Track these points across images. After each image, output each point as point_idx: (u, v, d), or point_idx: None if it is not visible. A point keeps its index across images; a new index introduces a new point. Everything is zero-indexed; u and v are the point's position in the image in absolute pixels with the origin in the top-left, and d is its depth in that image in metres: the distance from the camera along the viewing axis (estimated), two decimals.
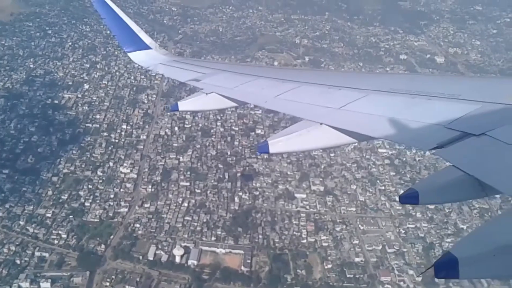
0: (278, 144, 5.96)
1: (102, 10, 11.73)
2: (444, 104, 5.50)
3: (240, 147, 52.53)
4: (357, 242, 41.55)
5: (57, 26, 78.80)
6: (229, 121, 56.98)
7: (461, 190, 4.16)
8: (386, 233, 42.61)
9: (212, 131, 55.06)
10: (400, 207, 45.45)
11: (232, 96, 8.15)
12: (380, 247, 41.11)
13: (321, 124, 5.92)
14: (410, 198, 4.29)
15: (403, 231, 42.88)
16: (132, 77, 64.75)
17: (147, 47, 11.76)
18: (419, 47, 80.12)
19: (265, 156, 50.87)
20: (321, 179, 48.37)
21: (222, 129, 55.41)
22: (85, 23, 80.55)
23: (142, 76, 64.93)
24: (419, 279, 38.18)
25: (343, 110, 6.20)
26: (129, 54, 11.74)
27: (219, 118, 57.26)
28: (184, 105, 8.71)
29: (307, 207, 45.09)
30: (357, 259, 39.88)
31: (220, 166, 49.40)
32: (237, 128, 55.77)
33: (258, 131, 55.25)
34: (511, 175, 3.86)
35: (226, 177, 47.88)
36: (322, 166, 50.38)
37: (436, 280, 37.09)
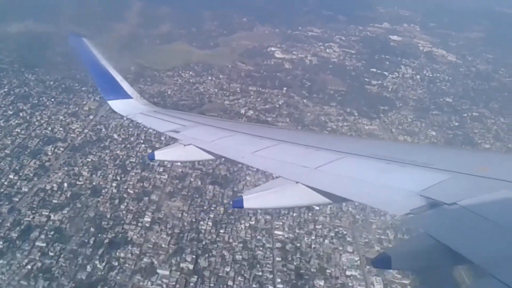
0: (253, 199, 6.31)
1: (85, 57, 12.12)
2: (418, 171, 5.78)
3: (124, 212, 50.00)
4: None
5: (3, 72, 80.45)
6: (128, 182, 55.02)
7: (433, 257, 4.33)
8: None
9: (103, 191, 52.93)
10: None
11: (210, 149, 8.46)
12: None
13: (297, 182, 6.24)
14: (382, 262, 4.50)
15: None
16: (50, 128, 64.27)
17: (128, 97, 12.38)
18: (369, 131, 78.63)
19: (146, 225, 48.42)
20: (194, 256, 45.03)
21: (115, 190, 53.27)
22: (34, 72, 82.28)
23: (61, 129, 64.48)
24: None
25: (319, 170, 6.48)
26: (109, 102, 12.26)
27: (118, 178, 55.41)
28: (161, 154, 9.11)
29: (164, 285, 41.52)
30: None
31: (92, 229, 46.66)
32: (132, 191, 53.57)
33: (153, 197, 52.97)
34: (482, 245, 4.12)
35: (91, 242, 44.97)
36: (204, 242, 47.21)
37: None
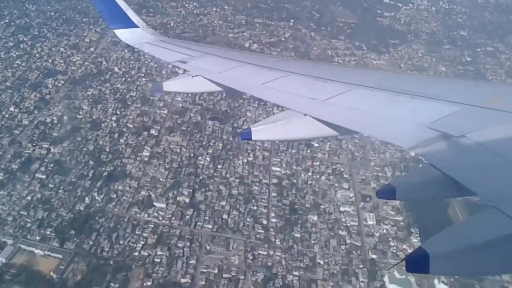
0: (261, 131, 6.34)
1: None
2: (427, 104, 5.74)
3: (123, 146, 50.59)
4: (193, 262, 38.93)
5: (3, 2, 78.74)
6: (128, 116, 55.26)
7: (437, 188, 4.40)
8: (232, 257, 39.88)
9: (103, 125, 53.33)
10: (262, 231, 42.75)
11: (218, 81, 8.36)
12: (216, 271, 38.40)
13: (305, 115, 6.30)
14: (387, 193, 4.54)
15: (251, 257, 40.04)
16: (50, 61, 63.82)
17: (134, 26, 12.06)
18: (377, 66, 76.64)
19: (145, 159, 49.09)
20: (191, 190, 45.93)
21: (114, 124, 53.66)
22: (34, 2, 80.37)
23: (61, 61, 64.02)
24: None
25: (328, 103, 6.48)
26: (115, 31, 12.00)
27: (118, 112, 55.62)
28: (169, 85, 8.94)
29: (160, 218, 42.79)
30: (183, 280, 37.31)
31: (91, 163, 47.54)
32: (131, 126, 53.91)
33: (152, 132, 53.30)
34: (486, 177, 4.14)
35: (90, 175, 45.96)
36: (201, 177, 47.96)
37: None
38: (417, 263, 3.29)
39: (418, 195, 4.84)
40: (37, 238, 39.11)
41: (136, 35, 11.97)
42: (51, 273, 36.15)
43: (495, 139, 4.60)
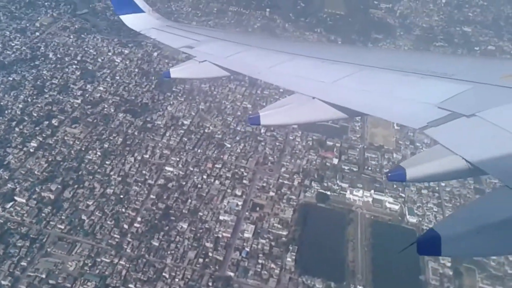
0: (269, 116, 6.52)
1: None
2: (437, 83, 5.83)
3: (16, 135, 49.94)
4: (25, 264, 37.29)
5: None
6: (37, 105, 54.88)
7: (448, 169, 4.42)
8: (70, 262, 38.02)
9: (6, 112, 53.07)
10: (118, 236, 40.29)
11: (226, 66, 8.49)
12: (44, 275, 36.51)
13: (313, 98, 6.43)
14: (397, 175, 4.62)
15: (90, 264, 37.79)
16: None
17: (140, 11, 12.20)
18: None
19: (31, 150, 48.12)
20: (60, 186, 44.23)
21: (19, 112, 53.29)
22: None
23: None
24: None
25: (336, 85, 6.58)
26: (121, 17, 12.12)
27: (29, 100, 55.18)
28: (176, 72, 9.10)
29: (14, 213, 41.48)
30: (3, 282, 36.19)
31: None
32: (36, 114, 53.29)
33: (53, 121, 52.26)
34: (498, 156, 4.20)
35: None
36: (81, 172, 46.25)
37: None
38: (429, 245, 3.34)
39: (429, 176, 4.72)
40: None
41: (142, 20, 11.91)
42: None
43: (508, 118, 4.58)
